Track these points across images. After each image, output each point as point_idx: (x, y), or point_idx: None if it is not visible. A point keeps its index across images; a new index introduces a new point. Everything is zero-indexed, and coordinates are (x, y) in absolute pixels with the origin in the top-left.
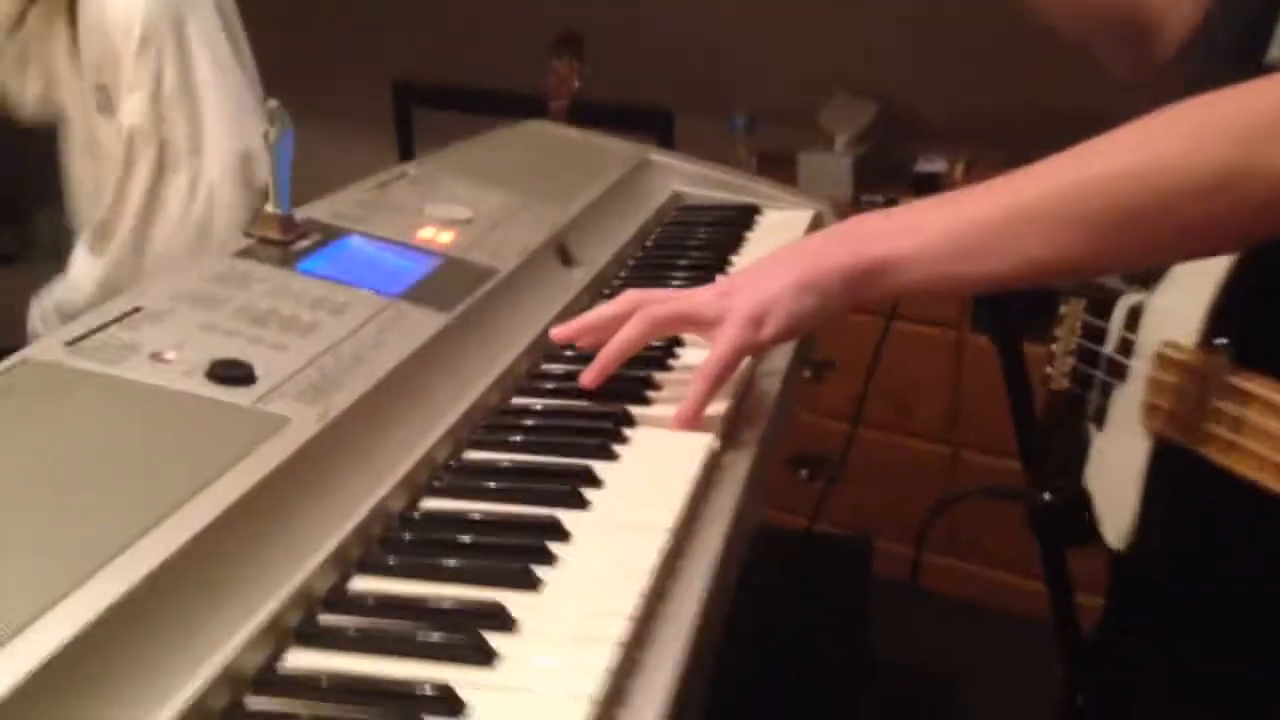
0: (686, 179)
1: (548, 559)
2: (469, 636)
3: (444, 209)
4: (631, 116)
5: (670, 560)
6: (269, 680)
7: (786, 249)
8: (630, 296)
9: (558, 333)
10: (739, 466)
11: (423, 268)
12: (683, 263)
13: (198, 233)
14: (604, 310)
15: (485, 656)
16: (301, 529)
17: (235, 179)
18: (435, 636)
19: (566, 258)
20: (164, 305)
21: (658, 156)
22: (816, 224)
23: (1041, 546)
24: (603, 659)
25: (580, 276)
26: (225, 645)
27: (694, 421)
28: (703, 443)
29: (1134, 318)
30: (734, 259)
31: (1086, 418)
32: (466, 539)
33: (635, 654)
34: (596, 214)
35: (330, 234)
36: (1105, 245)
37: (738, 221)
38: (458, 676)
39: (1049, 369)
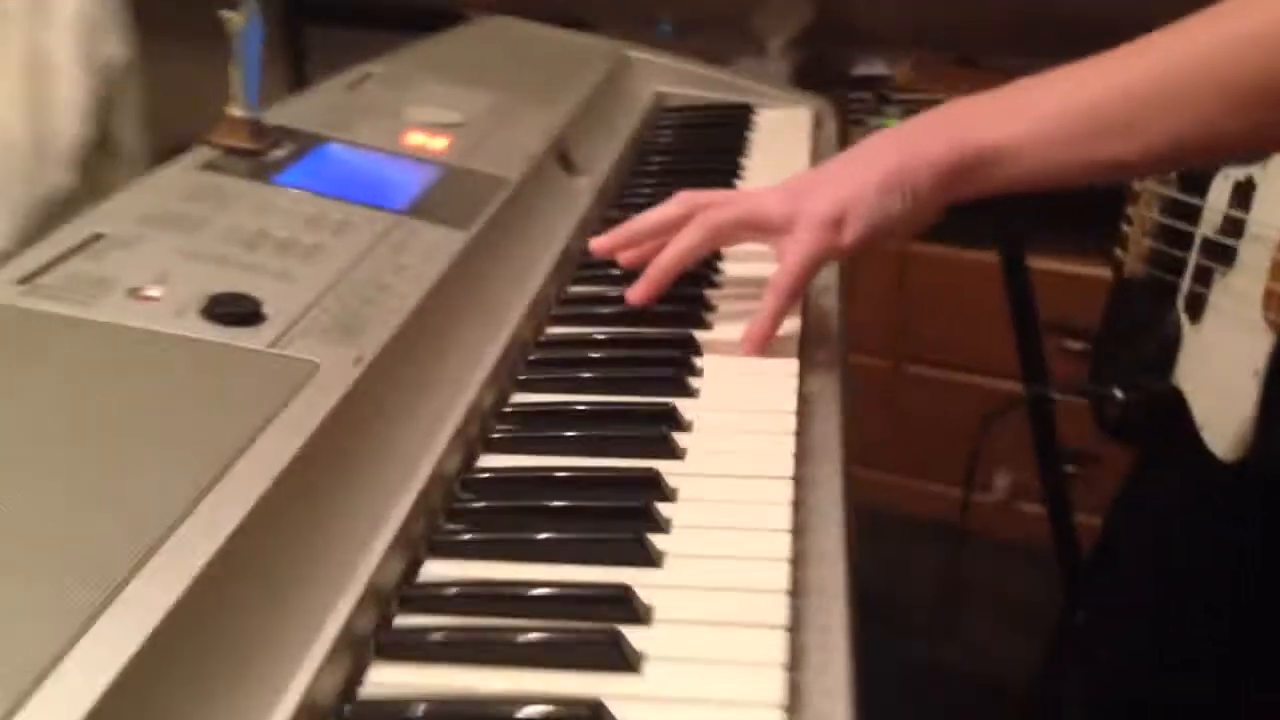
0: (667, 78)
1: (658, 524)
2: (602, 634)
3: (427, 112)
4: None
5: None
6: (355, 712)
7: (867, 142)
8: (684, 199)
9: (599, 243)
10: (827, 395)
11: (421, 178)
12: (691, 168)
13: (32, 125)
14: (653, 216)
15: (626, 660)
16: (354, 507)
17: (79, 53)
18: (557, 637)
19: (569, 165)
20: (129, 230)
21: (636, 53)
22: (819, 123)
23: (1041, 459)
24: (775, 652)
25: (586, 186)
26: (297, 670)
27: (765, 343)
28: (788, 370)
29: (1241, 194)
30: (744, 162)
31: (1174, 307)
32: (551, 504)
33: (798, 640)
34: (587, 117)
35: (304, 142)
36: (1242, 119)
37: (735, 121)
38: (599, 689)
39: (1119, 252)
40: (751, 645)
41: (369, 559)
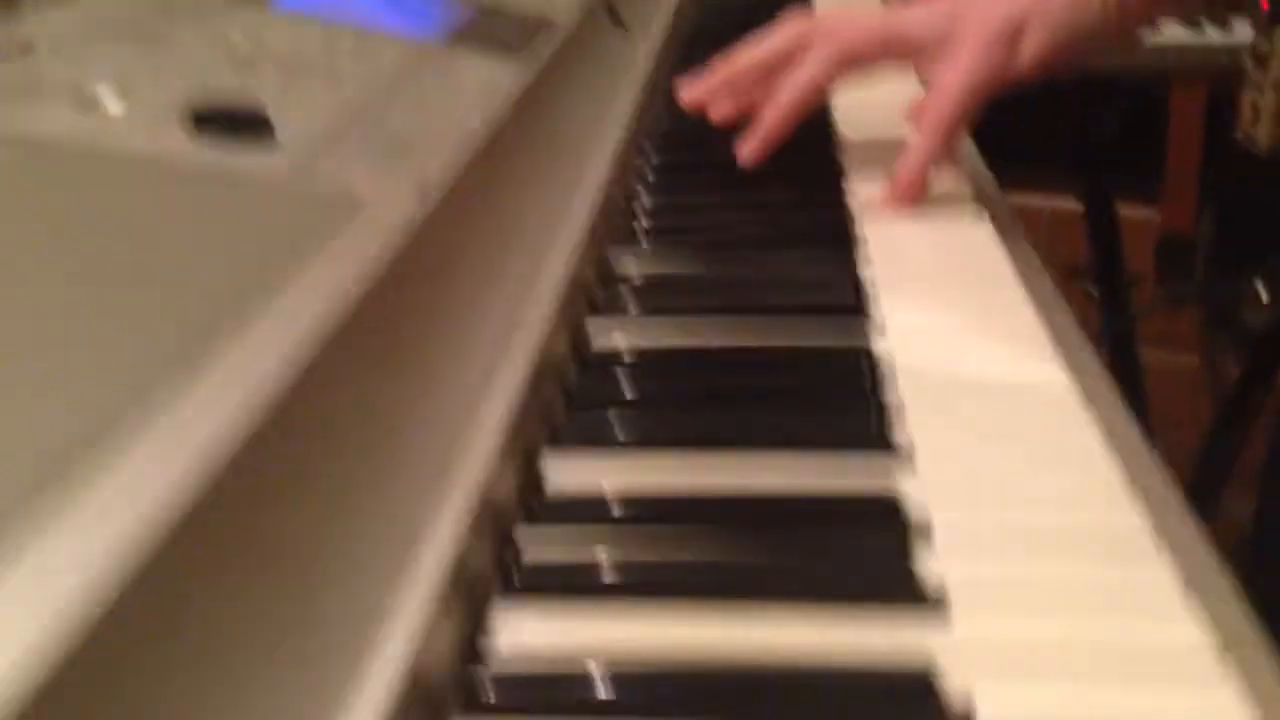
0: None
1: (879, 410)
2: (887, 564)
3: None
4: None
5: None
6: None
7: None
8: (796, 25)
9: (690, 92)
10: (1035, 271)
11: (453, 11)
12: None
13: None
14: (756, 51)
15: (924, 595)
16: (442, 391)
17: None
18: (795, 555)
19: (617, 19)
20: (69, 34)
21: None
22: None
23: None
24: (1193, 635)
25: (642, 47)
26: (388, 630)
27: (918, 192)
28: (982, 236)
29: None
30: None
31: None
32: (718, 384)
33: None
34: None
35: None
36: None
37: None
38: (887, 639)
39: (1241, 128)
40: (1133, 618)
41: (474, 454)
